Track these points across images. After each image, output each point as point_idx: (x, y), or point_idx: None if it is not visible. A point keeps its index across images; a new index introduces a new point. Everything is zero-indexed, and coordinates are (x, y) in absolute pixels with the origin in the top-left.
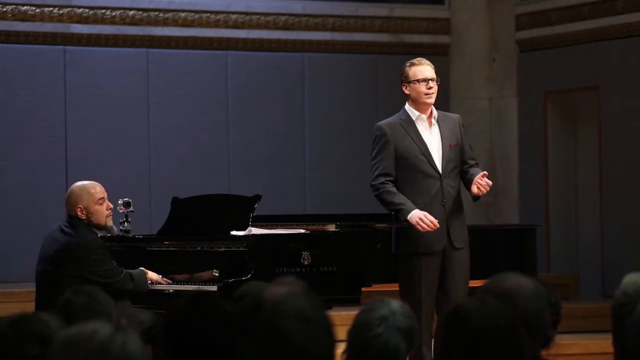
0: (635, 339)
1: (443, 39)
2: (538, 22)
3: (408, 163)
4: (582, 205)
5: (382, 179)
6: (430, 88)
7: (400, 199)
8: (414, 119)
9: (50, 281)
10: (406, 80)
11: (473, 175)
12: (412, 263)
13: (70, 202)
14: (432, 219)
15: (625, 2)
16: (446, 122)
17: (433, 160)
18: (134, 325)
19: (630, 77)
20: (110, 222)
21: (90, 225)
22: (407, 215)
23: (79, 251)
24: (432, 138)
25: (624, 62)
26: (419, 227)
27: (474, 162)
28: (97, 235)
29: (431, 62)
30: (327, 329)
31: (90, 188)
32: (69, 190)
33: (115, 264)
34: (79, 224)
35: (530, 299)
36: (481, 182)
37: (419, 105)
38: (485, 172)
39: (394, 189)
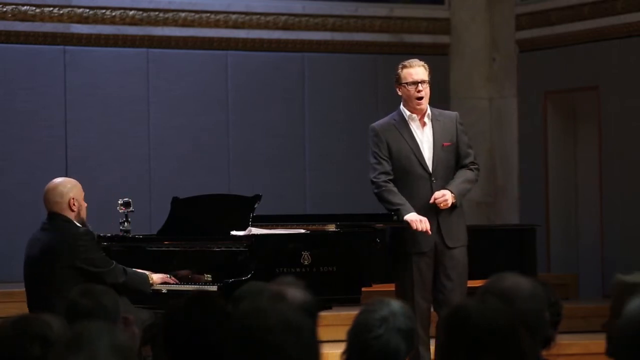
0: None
1: (443, 39)
2: (538, 22)
3: (400, 163)
4: (582, 205)
5: (384, 177)
6: (419, 91)
7: (400, 199)
8: (406, 119)
9: (41, 280)
10: (398, 82)
11: (450, 183)
12: (404, 263)
13: (62, 195)
14: (428, 226)
15: (625, 2)
16: (441, 121)
17: (424, 160)
18: (138, 323)
19: (630, 77)
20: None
21: (77, 219)
22: (405, 215)
23: (67, 240)
24: (424, 138)
25: (624, 62)
26: (413, 225)
27: (468, 161)
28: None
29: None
30: (313, 333)
31: (77, 183)
32: (51, 186)
33: (104, 254)
34: (64, 219)
35: (528, 299)
36: (437, 202)
37: (410, 107)
38: (435, 196)
39: (395, 189)
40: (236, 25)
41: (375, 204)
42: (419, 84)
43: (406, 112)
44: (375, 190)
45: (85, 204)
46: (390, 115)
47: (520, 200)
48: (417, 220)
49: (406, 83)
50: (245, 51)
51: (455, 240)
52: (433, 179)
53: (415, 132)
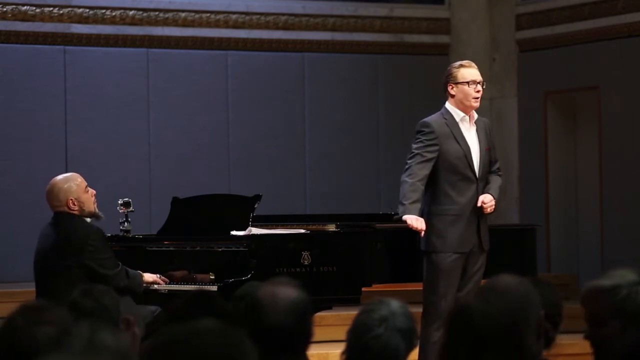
0: None
1: (443, 39)
2: (538, 22)
3: (450, 164)
4: (582, 205)
5: (421, 169)
6: (478, 91)
7: (414, 197)
8: (457, 120)
9: (50, 277)
10: (454, 81)
11: (487, 190)
12: (439, 261)
13: (59, 197)
14: (423, 226)
15: (626, 2)
16: (480, 125)
17: (473, 163)
18: (140, 322)
19: (630, 77)
20: (96, 208)
21: (82, 215)
22: (405, 214)
23: (77, 239)
24: (472, 141)
25: (624, 62)
26: (408, 220)
27: (496, 167)
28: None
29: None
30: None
31: (74, 179)
32: (49, 187)
33: (113, 254)
34: (70, 218)
35: (518, 298)
36: (485, 206)
37: (464, 106)
38: (484, 200)
39: (419, 188)
40: (236, 25)
41: (375, 204)
42: (478, 84)
43: (458, 113)
44: (405, 178)
45: (93, 192)
46: (439, 113)
47: (520, 200)
48: (412, 219)
49: (466, 82)
50: (245, 51)
51: (487, 243)
52: (478, 182)
53: (465, 134)
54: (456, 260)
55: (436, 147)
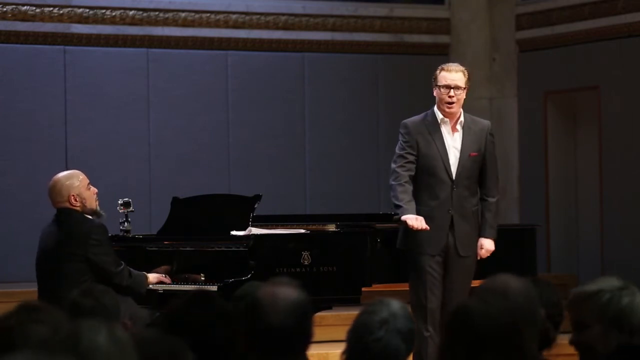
0: None
1: (443, 39)
2: (538, 22)
3: (425, 165)
4: (582, 205)
5: (405, 170)
6: (451, 97)
7: (408, 197)
8: (439, 121)
9: (53, 274)
10: (434, 83)
11: (484, 228)
12: (415, 260)
13: (61, 193)
14: (424, 225)
15: (626, 2)
16: (473, 129)
17: (449, 166)
18: (139, 325)
19: (630, 77)
20: (98, 207)
21: (84, 212)
22: (403, 215)
23: (80, 233)
24: (453, 144)
25: (624, 62)
26: (409, 221)
27: (492, 194)
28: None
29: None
30: None
31: (76, 175)
32: (51, 184)
33: (114, 252)
34: (72, 214)
35: (517, 298)
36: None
37: (442, 109)
38: (482, 255)
39: (409, 188)
40: (236, 25)
41: (375, 203)
42: (452, 89)
43: (439, 115)
44: (393, 182)
45: (95, 190)
46: (424, 114)
47: (520, 200)
48: (412, 218)
49: (440, 85)
50: (245, 51)
51: (468, 249)
52: (454, 186)
53: (445, 136)
54: (429, 260)
55: (414, 148)
